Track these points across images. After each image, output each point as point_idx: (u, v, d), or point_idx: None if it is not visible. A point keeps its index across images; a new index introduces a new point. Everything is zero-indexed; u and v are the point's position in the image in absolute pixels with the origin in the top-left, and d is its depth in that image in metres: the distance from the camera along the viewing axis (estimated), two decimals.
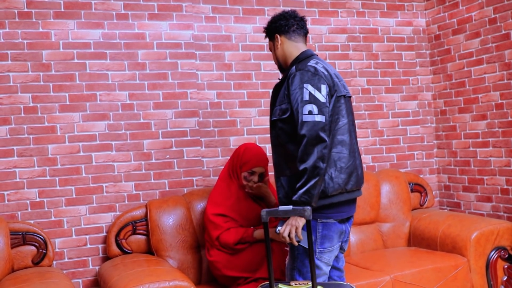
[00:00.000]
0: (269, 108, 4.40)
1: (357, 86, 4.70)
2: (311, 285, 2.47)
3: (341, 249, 2.99)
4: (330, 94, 2.76)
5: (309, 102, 2.67)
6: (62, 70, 3.83)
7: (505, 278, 3.88)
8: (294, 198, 2.63)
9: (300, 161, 2.64)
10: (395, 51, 4.86)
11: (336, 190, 2.74)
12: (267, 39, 3.09)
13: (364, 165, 4.71)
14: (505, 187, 4.28)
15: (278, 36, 2.97)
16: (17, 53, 3.73)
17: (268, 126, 4.38)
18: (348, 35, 4.69)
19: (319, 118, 2.64)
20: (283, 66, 3.01)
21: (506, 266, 3.88)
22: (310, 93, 2.68)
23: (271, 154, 3.08)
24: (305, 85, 2.70)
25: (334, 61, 4.62)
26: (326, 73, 2.79)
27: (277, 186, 2.87)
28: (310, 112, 2.65)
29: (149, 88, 4.05)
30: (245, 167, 3.52)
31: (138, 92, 4.03)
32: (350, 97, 2.96)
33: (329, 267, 2.90)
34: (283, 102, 2.81)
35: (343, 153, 2.78)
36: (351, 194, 2.86)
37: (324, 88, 2.71)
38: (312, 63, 2.79)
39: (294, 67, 2.82)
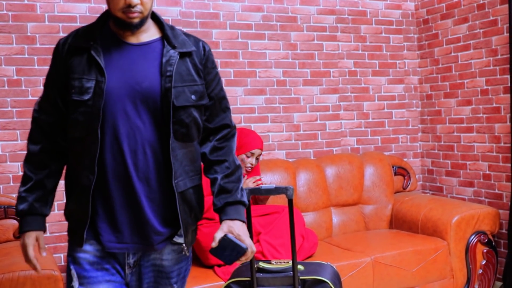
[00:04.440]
0: (255, 87, 4.40)
1: (344, 68, 4.70)
2: (291, 263, 2.49)
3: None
4: None
5: None
6: (47, 44, 3.78)
7: (483, 262, 3.93)
8: (243, 199, 2.12)
9: (234, 156, 2.17)
10: (383, 34, 4.86)
11: None
12: None
13: (348, 147, 4.73)
14: (487, 172, 4.32)
15: None
16: (1, 25, 3.67)
17: (250, 106, 4.40)
18: (337, 16, 4.67)
19: None
20: (144, 22, 2.02)
21: (485, 251, 3.93)
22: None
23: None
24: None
25: (322, 42, 4.60)
26: None
27: (179, 204, 2.02)
28: None
29: None
30: (244, 149, 3.61)
31: None
32: None
33: None
34: (194, 82, 2.08)
35: None
36: None
37: None
38: None
39: (192, 36, 2.15)
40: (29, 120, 3.69)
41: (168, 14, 4.10)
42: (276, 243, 3.47)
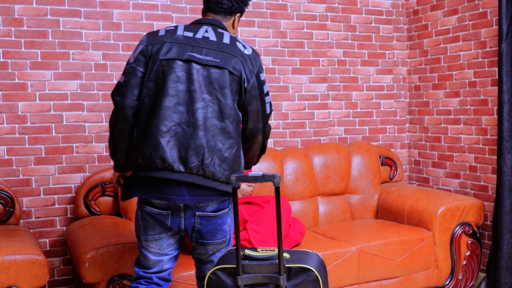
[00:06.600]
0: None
1: (333, 58, 4.69)
2: (277, 251, 2.49)
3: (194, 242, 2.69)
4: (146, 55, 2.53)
5: None
6: (34, 26, 3.74)
7: (468, 253, 3.95)
8: None
9: None
10: (373, 24, 4.85)
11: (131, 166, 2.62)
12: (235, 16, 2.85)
13: (336, 137, 4.73)
14: (473, 164, 4.34)
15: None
16: None
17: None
18: (327, 5, 4.66)
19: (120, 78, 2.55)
20: None
21: (469, 242, 3.96)
22: None
23: None
24: None
25: (311, 31, 4.59)
26: (162, 33, 2.57)
27: None
28: None
29: (123, 49, 3.99)
30: None
31: (112, 53, 3.96)
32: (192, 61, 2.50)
33: (162, 257, 2.71)
34: None
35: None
36: (146, 172, 2.54)
37: (138, 49, 2.55)
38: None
39: None
40: (15, 103, 3.66)
41: (158, 0, 4.08)
42: (262, 231, 3.47)
